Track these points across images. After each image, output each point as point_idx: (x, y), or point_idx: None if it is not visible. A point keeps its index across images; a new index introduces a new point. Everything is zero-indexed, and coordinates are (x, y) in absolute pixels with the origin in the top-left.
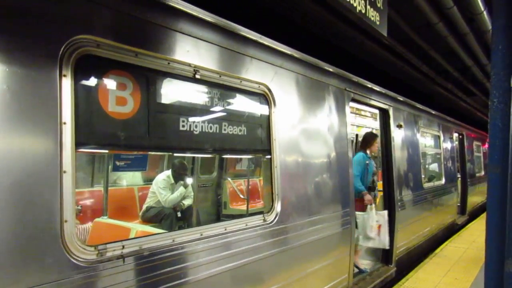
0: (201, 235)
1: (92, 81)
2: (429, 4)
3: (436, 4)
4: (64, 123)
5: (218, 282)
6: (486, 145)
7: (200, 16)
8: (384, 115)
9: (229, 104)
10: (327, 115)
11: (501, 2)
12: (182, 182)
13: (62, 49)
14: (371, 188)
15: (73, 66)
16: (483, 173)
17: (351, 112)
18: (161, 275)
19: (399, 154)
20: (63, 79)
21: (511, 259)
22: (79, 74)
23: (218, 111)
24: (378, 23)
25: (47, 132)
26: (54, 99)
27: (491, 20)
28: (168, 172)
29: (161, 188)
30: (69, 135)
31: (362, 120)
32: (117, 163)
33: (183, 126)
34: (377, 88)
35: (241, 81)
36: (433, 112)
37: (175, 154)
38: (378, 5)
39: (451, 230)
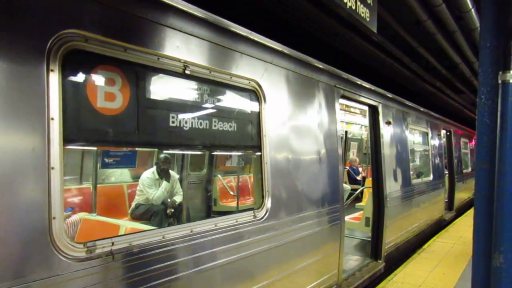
0: (191, 231)
1: (80, 76)
2: (418, 1)
3: (425, 1)
4: (52, 119)
5: (208, 278)
6: (473, 142)
7: (190, 11)
8: (373, 112)
9: (219, 100)
10: (317, 112)
11: (488, 1)
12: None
13: (49, 43)
14: None
15: (61, 61)
16: (470, 169)
17: (341, 109)
18: (151, 271)
19: (388, 150)
20: (51, 74)
21: (497, 253)
22: (67, 69)
23: (208, 107)
24: (368, 19)
25: (35, 128)
26: (42, 94)
27: (479, 18)
28: (153, 169)
29: (147, 186)
30: (57, 131)
31: (352, 117)
32: (106, 160)
33: (173, 122)
34: (366, 85)
35: (231, 77)
36: (422, 109)
37: (164, 151)
38: (368, 1)
39: (439, 226)
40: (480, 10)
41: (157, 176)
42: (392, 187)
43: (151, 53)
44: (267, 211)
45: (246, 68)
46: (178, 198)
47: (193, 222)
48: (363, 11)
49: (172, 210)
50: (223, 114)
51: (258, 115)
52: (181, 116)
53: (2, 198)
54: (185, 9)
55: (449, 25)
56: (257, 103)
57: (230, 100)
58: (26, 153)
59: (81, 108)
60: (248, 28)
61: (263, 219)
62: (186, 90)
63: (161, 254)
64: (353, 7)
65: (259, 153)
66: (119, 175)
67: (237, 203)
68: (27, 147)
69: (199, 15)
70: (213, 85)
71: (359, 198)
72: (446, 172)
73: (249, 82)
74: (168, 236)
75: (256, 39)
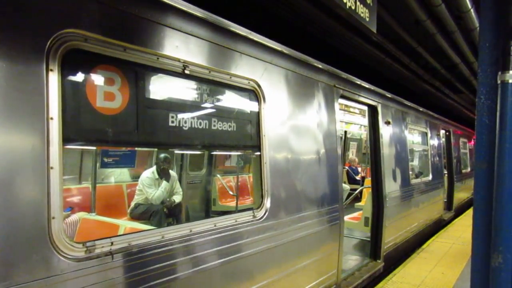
0: (191, 231)
1: (79, 76)
2: (418, 1)
3: (424, 1)
4: (51, 119)
5: (207, 278)
6: (472, 142)
7: (190, 11)
8: (372, 112)
9: (218, 100)
10: (316, 112)
11: (488, 1)
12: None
13: (48, 43)
14: None
15: (60, 61)
16: (469, 169)
17: (340, 109)
18: (150, 271)
19: (387, 150)
20: (50, 73)
21: (496, 253)
22: (66, 68)
23: (207, 107)
24: (367, 19)
25: (34, 128)
26: (41, 94)
27: (478, 18)
28: (153, 169)
29: (147, 186)
30: (56, 130)
31: (351, 117)
32: (105, 159)
33: (172, 122)
34: (366, 84)
35: (230, 77)
36: (421, 109)
37: (164, 151)
38: (368, 1)
39: (438, 226)
40: (479, 10)
41: (157, 176)
42: (391, 187)
43: (150, 52)
44: (267, 211)
45: (246, 68)
46: (177, 198)
47: (192, 222)
48: (363, 11)
49: (169, 210)
50: (223, 114)
51: (258, 115)
52: (180, 115)
53: (1, 198)
54: (184, 8)
55: (449, 25)
56: (256, 103)
57: (230, 100)
58: (25, 153)
59: (80, 108)
60: (248, 28)
61: (262, 219)
62: (185, 90)
63: (161, 254)
64: (353, 7)
65: (258, 153)
66: (118, 175)
67: (236, 203)
68: (26, 146)
69: (199, 14)
70: (213, 85)
71: (358, 198)
72: (445, 172)
73: (249, 82)
74: (167, 236)
75: (255, 39)
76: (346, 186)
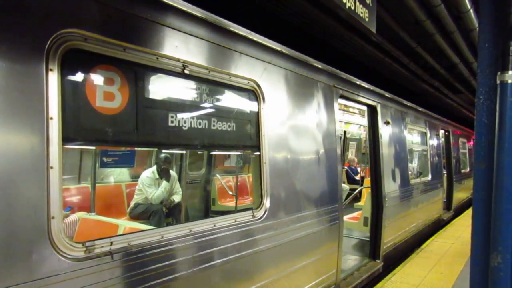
0: (190, 231)
1: (79, 76)
2: (417, 1)
3: (423, 1)
4: (51, 118)
5: (207, 277)
6: (472, 142)
7: (189, 11)
8: (372, 112)
9: (218, 100)
10: (315, 112)
11: (487, 1)
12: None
13: (48, 43)
14: None
15: (60, 60)
16: (468, 169)
17: (340, 109)
18: (150, 271)
19: (386, 150)
20: (50, 73)
21: (496, 253)
22: (66, 68)
23: (207, 107)
24: (367, 19)
25: (33, 128)
26: (41, 93)
27: (478, 18)
28: (153, 169)
29: (147, 186)
30: (56, 130)
31: (351, 117)
32: (105, 159)
33: (172, 121)
34: (365, 85)
35: (230, 77)
36: (420, 109)
37: (163, 150)
38: (367, 1)
39: (437, 226)
40: (478, 10)
41: (157, 176)
42: (391, 187)
43: (150, 52)
44: (266, 211)
45: (245, 68)
46: (177, 198)
47: (192, 222)
48: (362, 11)
49: (168, 210)
50: (222, 113)
51: (257, 115)
52: (180, 115)
53: (1, 198)
54: (184, 8)
55: (448, 25)
56: (256, 103)
57: (229, 100)
58: (25, 153)
59: (80, 108)
60: (247, 28)
61: (262, 219)
62: (185, 90)
63: (160, 254)
64: (352, 8)
65: (257, 153)
66: (118, 175)
67: (236, 202)
68: (26, 146)
69: (198, 14)
70: (212, 85)
71: (357, 198)
72: (445, 172)
73: (248, 82)
74: (167, 236)
75: (255, 39)
76: (346, 186)
